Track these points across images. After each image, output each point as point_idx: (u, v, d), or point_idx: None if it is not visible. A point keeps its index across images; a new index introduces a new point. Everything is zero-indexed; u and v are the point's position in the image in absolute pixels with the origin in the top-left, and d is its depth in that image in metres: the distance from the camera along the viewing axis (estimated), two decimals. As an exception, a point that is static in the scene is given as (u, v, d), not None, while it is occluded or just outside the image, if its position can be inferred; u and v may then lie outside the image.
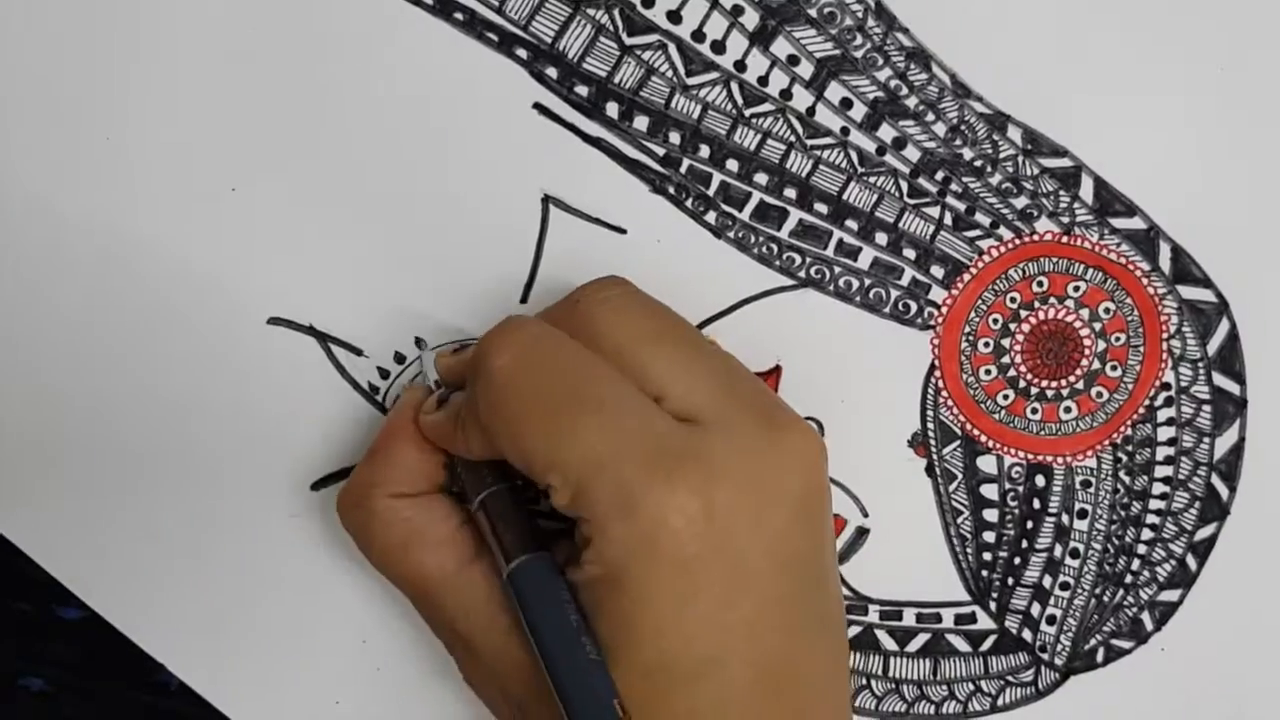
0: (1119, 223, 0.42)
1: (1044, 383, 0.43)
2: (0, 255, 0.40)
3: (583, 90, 0.40)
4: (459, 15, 0.39)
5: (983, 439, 0.44)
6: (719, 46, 0.40)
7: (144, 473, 0.43)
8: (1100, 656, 0.46)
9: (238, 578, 0.44)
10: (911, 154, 0.41)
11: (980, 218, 0.42)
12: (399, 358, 0.42)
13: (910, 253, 0.42)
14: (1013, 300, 0.42)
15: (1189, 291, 0.42)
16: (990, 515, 0.44)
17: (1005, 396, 0.43)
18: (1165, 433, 0.44)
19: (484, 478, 0.37)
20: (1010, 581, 0.45)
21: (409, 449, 0.38)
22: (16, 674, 0.45)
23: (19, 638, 0.44)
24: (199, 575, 0.44)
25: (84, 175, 0.40)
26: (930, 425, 0.44)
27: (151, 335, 0.41)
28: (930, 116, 0.41)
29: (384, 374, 0.42)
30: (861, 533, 0.44)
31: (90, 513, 0.43)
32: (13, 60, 0.39)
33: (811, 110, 0.40)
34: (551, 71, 0.40)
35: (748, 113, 0.40)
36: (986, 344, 0.43)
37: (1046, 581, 0.45)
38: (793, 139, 0.41)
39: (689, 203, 0.41)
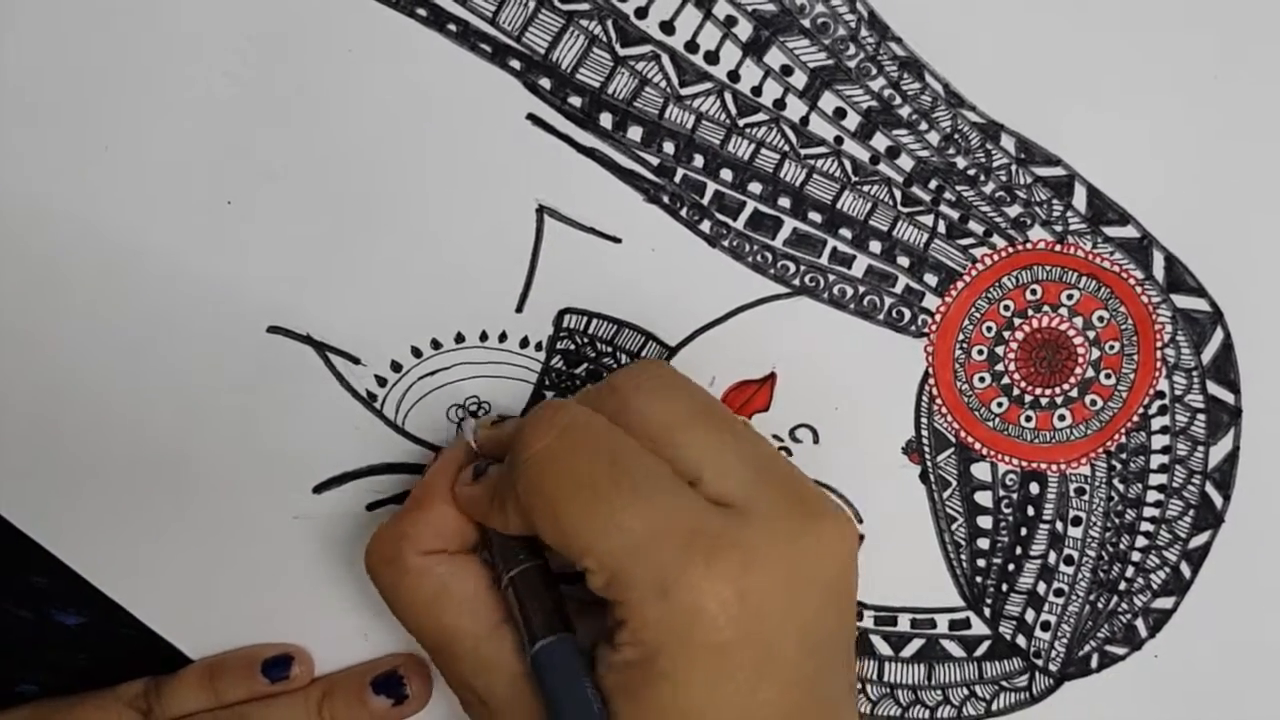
0: (1112, 231, 0.42)
1: (1038, 390, 0.43)
2: (1, 265, 0.41)
3: (576, 101, 0.40)
4: (452, 26, 0.39)
5: (977, 446, 0.44)
6: (712, 57, 0.40)
7: (154, 476, 0.43)
8: (1094, 663, 0.46)
9: (244, 575, 0.45)
10: (905, 163, 0.41)
11: (974, 226, 0.42)
12: (395, 366, 0.42)
13: (904, 261, 0.42)
14: (1006, 308, 0.43)
15: (1183, 300, 0.42)
16: (984, 522, 0.45)
17: (999, 404, 0.43)
18: (1159, 441, 0.44)
19: (515, 554, 0.38)
20: (1004, 588, 0.45)
21: (445, 508, 0.38)
22: (13, 680, 0.46)
23: (18, 644, 0.44)
24: (207, 573, 0.44)
25: (84, 187, 0.40)
26: (924, 432, 0.44)
27: (154, 345, 0.41)
28: (924, 126, 0.41)
29: (381, 381, 0.42)
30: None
31: (107, 515, 0.44)
32: (14, 71, 0.39)
33: (805, 120, 0.41)
34: (545, 82, 0.40)
35: (741, 122, 0.41)
36: (980, 351, 0.43)
37: (1041, 588, 0.45)
38: (787, 148, 0.41)
39: (683, 212, 0.41)
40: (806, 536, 0.35)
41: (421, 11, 0.39)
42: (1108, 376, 0.43)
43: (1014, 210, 0.42)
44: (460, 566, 0.38)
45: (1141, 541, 0.45)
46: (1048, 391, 0.43)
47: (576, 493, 0.34)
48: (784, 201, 0.41)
